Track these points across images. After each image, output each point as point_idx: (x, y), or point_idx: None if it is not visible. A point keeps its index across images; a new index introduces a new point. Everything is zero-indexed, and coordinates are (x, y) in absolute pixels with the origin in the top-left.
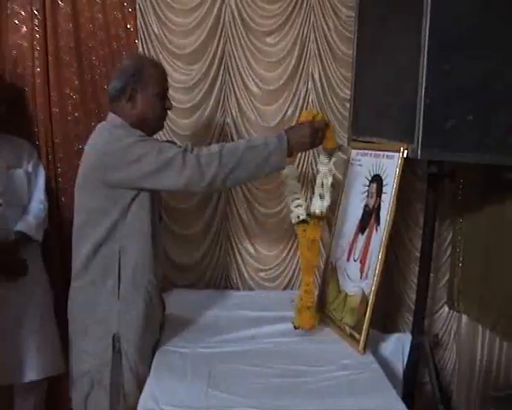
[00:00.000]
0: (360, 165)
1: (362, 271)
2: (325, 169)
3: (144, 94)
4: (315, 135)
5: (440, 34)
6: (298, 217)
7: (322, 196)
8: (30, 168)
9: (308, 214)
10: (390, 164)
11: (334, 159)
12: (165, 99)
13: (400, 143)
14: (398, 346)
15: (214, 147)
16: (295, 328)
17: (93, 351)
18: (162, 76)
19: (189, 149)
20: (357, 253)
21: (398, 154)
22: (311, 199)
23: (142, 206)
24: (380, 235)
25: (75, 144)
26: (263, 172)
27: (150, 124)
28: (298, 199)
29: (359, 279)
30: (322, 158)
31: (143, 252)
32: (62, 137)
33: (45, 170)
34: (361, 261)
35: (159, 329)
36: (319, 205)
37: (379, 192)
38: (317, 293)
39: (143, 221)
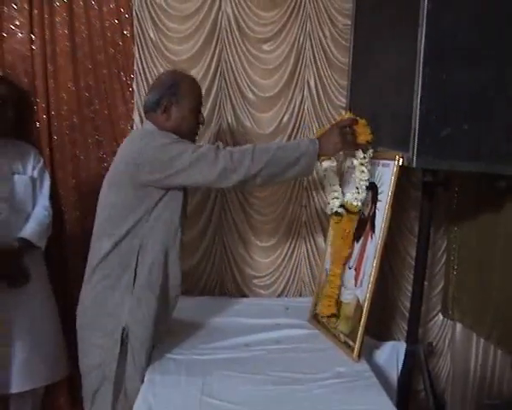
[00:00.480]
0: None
1: (357, 278)
2: (360, 163)
3: (179, 107)
4: (343, 133)
5: (436, 43)
6: (332, 209)
7: (358, 190)
8: (35, 174)
9: (342, 206)
10: (385, 172)
11: (369, 152)
12: (198, 114)
13: (396, 152)
14: (392, 354)
15: (246, 145)
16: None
17: (103, 345)
18: (197, 92)
19: (222, 146)
20: (352, 261)
21: (393, 162)
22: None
23: (167, 207)
24: (375, 243)
25: (70, 150)
26: (293, 171)
27: (183, 137)
28: (335, 191)
29: (354, 287)
30: (358, 152)
31: (162, 251)
32: (59, 142)
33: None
34: (356, 269)
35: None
36: (355, 198)
37: (374, 200)
38: (336, 293)
39: (166, 222)
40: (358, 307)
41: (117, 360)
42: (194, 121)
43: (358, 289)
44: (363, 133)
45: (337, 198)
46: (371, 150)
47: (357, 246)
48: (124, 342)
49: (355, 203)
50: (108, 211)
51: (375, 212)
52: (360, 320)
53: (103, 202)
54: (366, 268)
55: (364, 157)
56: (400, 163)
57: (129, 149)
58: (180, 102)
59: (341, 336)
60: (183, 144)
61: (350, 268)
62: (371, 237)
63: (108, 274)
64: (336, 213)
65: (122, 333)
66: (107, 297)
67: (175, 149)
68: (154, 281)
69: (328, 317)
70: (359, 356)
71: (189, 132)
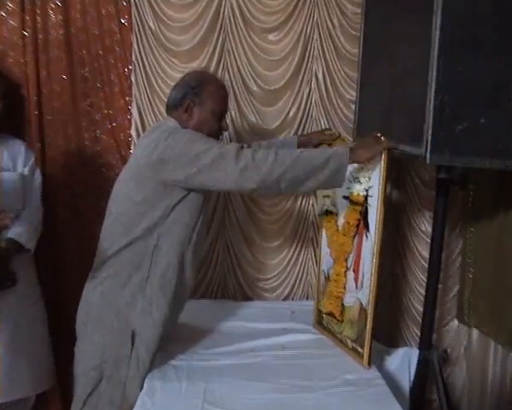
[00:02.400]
0: None
1: (356, 280)
2: None
3: (201, 109)
4: (376, 137)
5: (452, 31)
6: (322, 208)
7: (360, 181)
8: (26, 171)
9: (346, 197)
10: (374, 164)
11: None
12: (221, 119)
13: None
14: (404, 361)
15: (265, 146)
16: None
17: (107, 343)
18: (222, 95)
19: (245, 146)
20: (349, 261)
21: (380, 158)
22: None
23: (186, 209)
24: (371, 241)
25: (64, 146)
26: (321, 176)
27: None
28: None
29: (355, 289)
30: None
31: (177, 255)
32: (52, 138)
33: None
34: (354, 270)
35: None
36: (357, 188)
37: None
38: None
39: (184, 225)
40: (362, 310)
41: (122, 361)
42: (216, 125)
43: (360, 292)
44: None
45: (328, 196)
46: None
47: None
48: (134, 345)
49: (361, 193)
50: (124, 206)
51: (366, 208)
52: (366, 325)
53: (119, 195)
54: (365, 269)
55: None
56: (386, 153)
57: (154, 143)
58: (203, 103)
59: (348, 341)
60: (210, 141)
61: (348, 269)
62: (366, 236)
63: (119, 272)
64: (327, 213)
65: (132, 335)
66: (116, 294)
67: (201, 144)
68: (167, 285)
69: (331, 316)
70: (370, 363)
71: (209, 136)
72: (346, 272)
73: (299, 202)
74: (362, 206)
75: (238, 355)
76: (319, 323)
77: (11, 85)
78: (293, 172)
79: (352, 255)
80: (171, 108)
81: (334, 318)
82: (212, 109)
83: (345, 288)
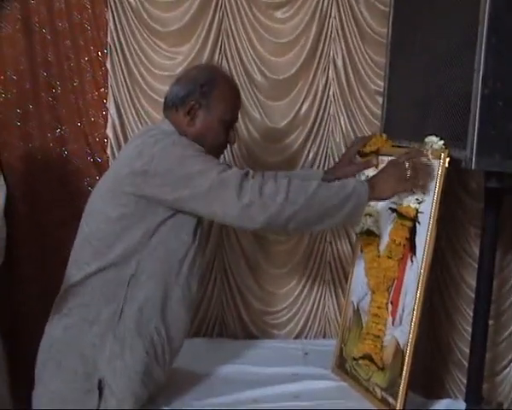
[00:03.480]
0: None
1: (394, 315)
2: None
3: (207, 113)
4: (402, 170)
5: (507, 4)
6: (363, 227)
7: (414, 191)
8: None
9: (394, 210)
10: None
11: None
12: (229, 130)
13: (442, 149)
14: None
15: (280, 176)
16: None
17: (68, 393)
18: (235, 102)
19: (251, 174)
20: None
21: (438, 162)
22: None
23: (173, 232)
24: (416, 268)
25: (23, 148)
26: (336, 218)
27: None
28: (369, 206)
29: (391, 326)
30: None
31: (160, 290)
32: (6, 137)
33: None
34: (392, 302)
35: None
36: (409, 199)
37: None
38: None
39: (170, 251)
40: (398, 352)
41: None
42: (222, 137)
43: (397, 329)
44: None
45: (370, 215)
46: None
47: None
48: (101, 397)
49: (413, 205)
50: (98, 223)
51: (415, 226)
52: (402, 370)
53: (93, 210)
54: (406, 301)
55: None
56: (447, 164)
57: (138, 149)
58: (210, 107)
59: (377, 390)
60: (209, 161)
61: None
62: (412, 261)
63: (87, 303)
64: (367, 233)
65: (99, 385)
66: (81, 331)
67: (197, 164)
68: (145, 324)
69: (367, 360)
70: None
71: (212, 148)
72: (387, 304)
73: None
74: (412, 221)
75: (240, 407)
76: (340, 366)
77: None
78: (305, 214)
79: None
80: (170, 107)
81: (373, 363)
82: (221, 117)
83: (386, 326)
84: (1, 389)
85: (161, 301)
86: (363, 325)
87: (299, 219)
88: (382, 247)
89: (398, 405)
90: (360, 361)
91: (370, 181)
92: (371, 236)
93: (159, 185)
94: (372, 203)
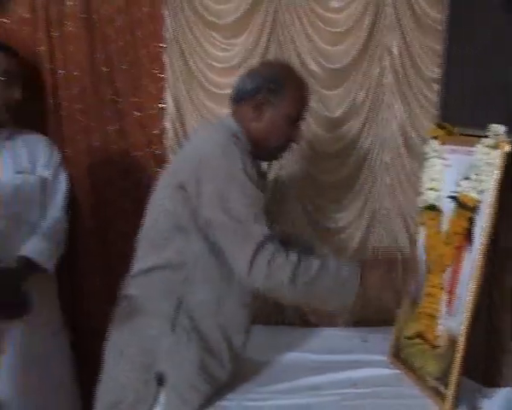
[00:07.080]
0: (448, 165)
1: (450, 305)
2: (486, 150)
3: (275, 111)
4: (390, 271)
5: None
6: (426, 201)
7: (479, 177)
8: (47, 174)
9: (453, 198)
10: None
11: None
12: (294, 128)
13: (502, 137)
14: (505, 405)
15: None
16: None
17: (127, 383)
18: (303, 102)
19: (272, 244)
20: (445, 277)
21: (497, 151)
22: None
23: None
24: (472, 258)
25: (85, 142)
26: (332, 301)
27: (267, 148)
28: (434, 181)
29: (447, 315)
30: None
31: (213, 295)
32: (69, 132)
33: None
34: (449, 291)
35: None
36: (470, 187)
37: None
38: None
39: (220, 258)
40: (451, 341)
41: (142, 405)
42: (286, 134)
43: (452, 319)
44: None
45: (434, 190)
46: None
47: None
48: (160, 387)
49: (473, 194)
50: (156, 216)
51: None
52: (455, 360)
53: (155, 201)
54: (462, 291)
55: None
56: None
57: (199, 147)
58: (278, 106)
59: (429, 379)
60: (253, 200)
61: (441, 290)
62: (468, 251)
63: (148, 295)
64: (431, 208)
65: (157, 377)
66: (141, 323)
67: (243, 196)
68: (199, 321)
69: (420, 339)
70: (454, 407)
71: (277, 146)
72: (441, 284)
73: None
74: (472, 211)
75: (299, 394)
76: (396, 355)
77: (30, 70)
78: (303, 300)
79: (447, 273)
80: (238, 100)
81: (426, 342)
82: (287, 113)
83: (439, 305)
84: (71, 385)
85: (216, 301)
86: (418, 304)
87: (298, 294)
88: (443, 226)
89: (450, 393)
90: (413, 340)
91: (362, 271)
92: (435, 211)
93: (195, 185)
94: (437, 176)
